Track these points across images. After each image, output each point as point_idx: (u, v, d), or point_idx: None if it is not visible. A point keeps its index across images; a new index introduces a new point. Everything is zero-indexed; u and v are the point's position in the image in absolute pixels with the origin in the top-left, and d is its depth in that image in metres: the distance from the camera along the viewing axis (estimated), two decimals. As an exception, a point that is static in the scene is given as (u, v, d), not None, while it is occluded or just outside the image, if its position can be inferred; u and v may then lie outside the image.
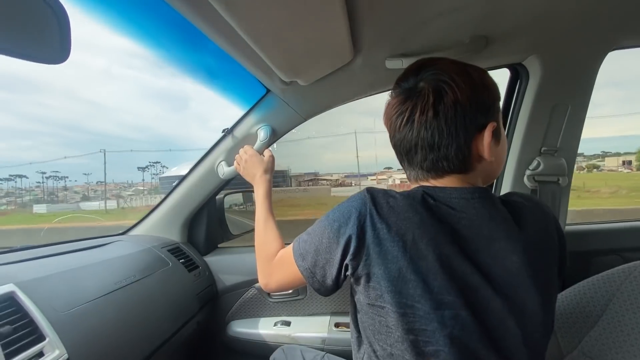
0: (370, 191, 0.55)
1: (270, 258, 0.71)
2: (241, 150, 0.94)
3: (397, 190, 0.56)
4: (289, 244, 0.65)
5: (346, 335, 1.05)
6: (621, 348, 0.64)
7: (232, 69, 0.93)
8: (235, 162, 0.95)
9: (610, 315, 0.68)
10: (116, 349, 0.70)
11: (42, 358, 0.57)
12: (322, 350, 1.04)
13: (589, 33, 0.79)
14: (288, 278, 0.66)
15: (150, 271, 0.93)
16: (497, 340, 0.50)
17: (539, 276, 0.52)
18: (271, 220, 0.81)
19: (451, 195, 0.52)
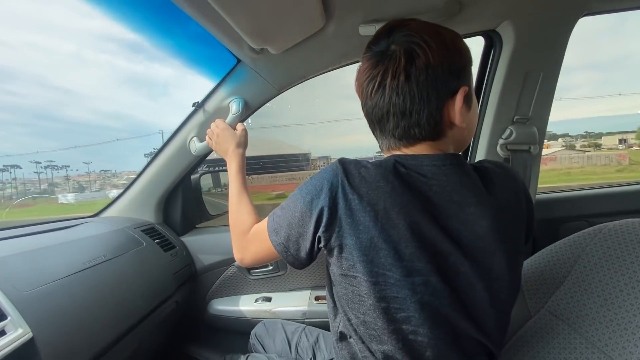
0: (342, 162, 0.54)
1: (245, 233, 0.71)
2: (212, 124, 0.91)
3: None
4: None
5: (324, 309, 1.06)
6: (585, 306, 0.66)
7: (200, 39, 0.88)
8: (207, 136, 0.92)
9: (576, 276, 0.71)
10: (87, 326, 0.68)
11: (3, 337, 0.54)
12: (303, 322, 1.06)
13: None
14: (262, 253, 0.65)
15: (123, 251, 0.90)
16: (466, 303, 0.52)
17: (506, 240, 0.53)
18: (245, 195, 0.79)
19: (422, 162, 0.52)
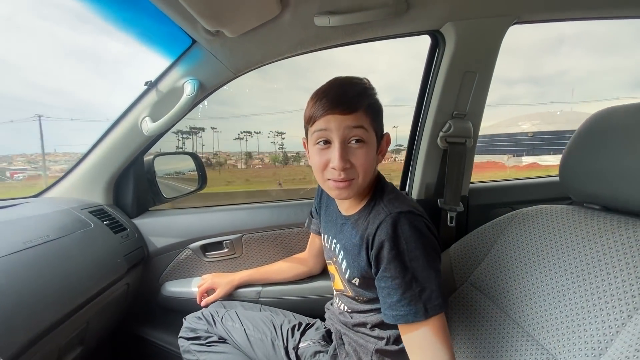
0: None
1: None
2: None
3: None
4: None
5: (278, 288, 1.11)
6: (501, 280, 0.76)
7: (154, 14, 0.85)
8: None
9: (494, 254, 0.81)
10: (29, 305, 0.67)
11: None
12: (258, 302, 1.10)
13: (495, 4, 0.88)
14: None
15: (68, 232, 0.87)
16: None
17: None
18: None
19: None
